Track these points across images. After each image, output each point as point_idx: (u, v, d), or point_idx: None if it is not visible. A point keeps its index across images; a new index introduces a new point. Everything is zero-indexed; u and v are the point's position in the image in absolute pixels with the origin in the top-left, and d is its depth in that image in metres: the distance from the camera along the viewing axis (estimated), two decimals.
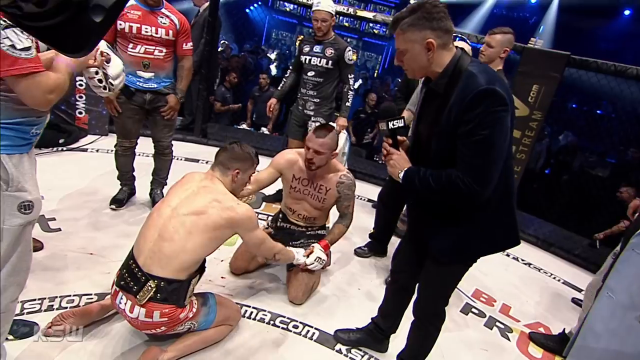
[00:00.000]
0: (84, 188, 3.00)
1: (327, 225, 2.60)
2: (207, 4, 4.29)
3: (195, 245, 1.59)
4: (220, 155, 1.79)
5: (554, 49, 11.61)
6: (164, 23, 2.52)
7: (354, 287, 2.60)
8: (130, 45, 2.47)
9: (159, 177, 2.97)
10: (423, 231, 1.60)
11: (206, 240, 1.61)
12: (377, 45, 13.98)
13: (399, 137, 1.51)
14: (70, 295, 1.97)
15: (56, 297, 1.94)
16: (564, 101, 10.49)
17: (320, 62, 3.06)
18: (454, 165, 1.35)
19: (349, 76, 3.08)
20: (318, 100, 3.14)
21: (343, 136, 3.02)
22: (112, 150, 2.86)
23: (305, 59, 3.12)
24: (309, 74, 3.11)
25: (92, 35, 0.61)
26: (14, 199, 1.25)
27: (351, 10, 4.08)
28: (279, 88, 3.37)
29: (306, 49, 3.13)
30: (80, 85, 3.81)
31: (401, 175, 1.45)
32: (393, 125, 1.48)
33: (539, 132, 3.89)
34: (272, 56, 9.67)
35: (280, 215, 2.56)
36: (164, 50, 2.56)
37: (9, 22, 1.07)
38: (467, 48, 2.75)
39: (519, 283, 3.19)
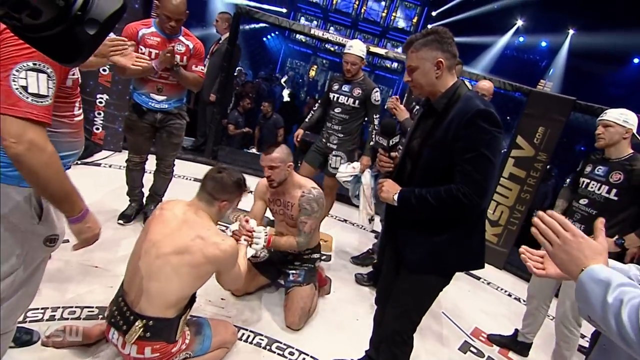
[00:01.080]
0: (94, 202, 3.06)
1: (320, 251, 2.61)
2: (228, 33, 4.50)
3: (182, 284, 1.57)
4: (207, 185, 1.68)
5: (563, 92, 11.81)
6: (180, 50, 2.62)
7: (352, 315, 2.60)
8: None
9: (156, 194, 3.01)
10: (398, 242, 1.64)
11: (192, 279, 1.58)
12: (388, 79, 14.32)
13: (392, 153, 1.67)
14: (72, 307, 2.01)
15: (59, 307, 1.98)
16: (571, 143, 10.56)
17: (347, 101, 3.18)
18: (438, 176, 1.47)
19: (375, 116, 3.20)
20: (342, 135, 3.25)
21: (367, 174, 3.07)
22: (124, 167, 2.95)
23: (334, 96, 3.25)
24: (335, 110, 3.23)
25: (86, 47, 0.64)
26: (43, 232, 1.21)
27: (366, 46, 4.25)
28: (307, 120, 3.49)
29: (335, 86, 3.26)
30: (100, 102, 3.96)
31: (396, 197, 1.54)
32: (393, 141, 1.65)
33: (543, 173, 3.93)
34: (283, 80, 9.92)
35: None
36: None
37: (38, 64, 0.99)
38: (490, 86, 3.03)
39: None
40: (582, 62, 11.76)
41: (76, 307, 2.01)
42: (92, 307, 2.03)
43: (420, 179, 1.53)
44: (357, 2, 14.23)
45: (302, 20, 14.37)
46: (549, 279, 2.42)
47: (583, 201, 2.36)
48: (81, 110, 1.24)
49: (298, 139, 3.48)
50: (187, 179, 3.82)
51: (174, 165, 2.98)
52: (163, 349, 1.58)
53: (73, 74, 1.14)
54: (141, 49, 2.55)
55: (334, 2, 14.29)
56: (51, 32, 0.59)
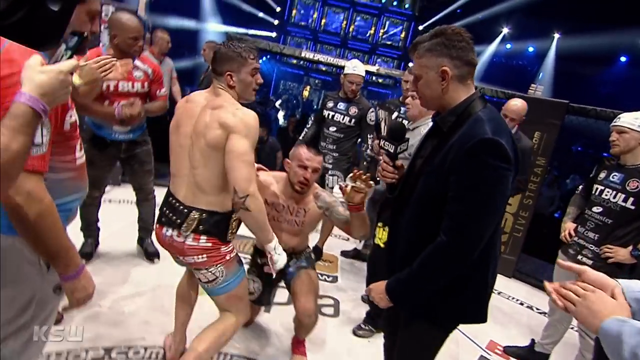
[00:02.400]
0: (103, 240, 3.04)
1: (309, 249, 2.33)
2: None
3: (215, 169, 1.57)
4: (213, 63, 1.66)
5: (554, 95, 11.92)
6: (139, 76, 2.51)
7: (362, 338, 2.53)
8: (106, 103, 2.41)
9: (146, 224, 2.92)
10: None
11: (220, 157, 1.54)
12: (381, 94, 14.45)
13: (397, 162, 1.46)
14: (77, 349, 1.95)
15: (62, 351, 1.92)
16: (569, 145, 10.59)
17: (343, 119, 3.18)
18: (436, 206, 1.21)
19: (369, 136, 3.19)
20: (337, 154, 3.24)
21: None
22: (124, 201, 2.92)
23: (329, 114, 3.23)
24: (330, 129, 3.22)
25: (55, 25, 0.60)
26: (52, 280, 1.13)
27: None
28: (301, 137, 3.46)
29: (330, 104, 3.26)
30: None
31: (387, 296, 1.31)
32: (401, 148, 1.42)
33: (544, 178, 3.92)
34: (277, 103, 9.99)
35: (257, 254, 2.25)
36: (139, 102, 2.53)
37: None
38: (519, 108, 2.88)
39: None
40: (570, 65, 11.92)
41: (82, 349, 1.96)
42: (98, 348, 1.98)
43: (413, 208, 1.30)
44: (344, 22, 14.50)
45: (292, 44, 14.63)
46: None
47: (597, 209, 2.26)
48: (83, 152, 1.21)
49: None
50: None
51: (154, 190, 2.92)
52: (216, 244, 1.64)
53: (70, 117, 1.10)
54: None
55: (322, 23, 14.56)
56: (15, 18, 0.55)
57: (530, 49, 13.18)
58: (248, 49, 1.62)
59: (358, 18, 14.53)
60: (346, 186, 1.72)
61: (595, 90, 11.76)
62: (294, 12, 14.47)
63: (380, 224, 2.33)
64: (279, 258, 1.64)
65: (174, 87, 4.55)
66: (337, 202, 2.01)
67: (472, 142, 1.12)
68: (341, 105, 3.21)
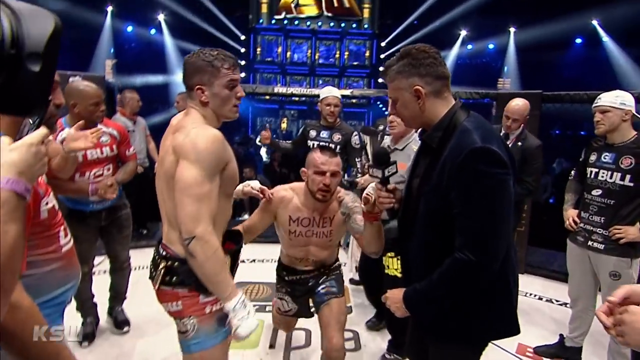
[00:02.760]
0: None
1: (338, 263, 2.23)
2: None
3: (174, 201, 1.27)
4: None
5: (522, 85, 12.22)
6: (105, 141, 2.44)
7: None
8: (78, 175, 2.33)
9: (119, 294, 2.79)
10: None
11: (172, 184, 1.28)
12: (357, 113, 14.64)
13: (389, 186, 1.41)
14: None
15: None
16: (547, 130, 10.80)
17: None
18: (441, 225, 1.19)
19: (357, 159, 3.19)
20: None
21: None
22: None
23: (313, 144, 3.23)
24: None
25: (37, 88, 0.55)
26: None
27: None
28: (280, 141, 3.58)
29: (313, 133, 3.26)
30: None
31: (403, 305, 1.29)
32: (388, 171, 1.38)
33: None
34: (258, 140, 9.99)
35: (283, 269, 2.13)
36: (111, 166, 2.49)
37: None
38: (521, 107, 2.80)
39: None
40: (531, 55, 12.33)
41: None
42: None
43: (420, 229, 1.26)
44: (309, 51, 14.82)
45: (262, 81, 14.82)
46: (588, 278, 2.34)
47: (596, 192, 2.23)
48: (69, 237, 1.13)
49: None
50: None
51: (129, 258, 2.80)
52: (188, 300, 1.33)
53: (47, 203, 1.04)
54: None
55: (288, 55, 14.85)
56: None
57: (491, 46, 13.62)
58: (222, 57, 1.32)
59: (321, 46, 14.88)
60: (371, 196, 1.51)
61: (559, 75, 12.15)
62: (258, 50, 14.76)
63: (390, 254, 2.27)
64: (243, 324, 1.25)
65: (150, 145, 4.50)
66: (358, 208, 1.82)
67: (463, 154, 1.11)
68: (324, 134, 3.21)
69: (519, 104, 2.86)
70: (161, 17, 12.49)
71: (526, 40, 12.04)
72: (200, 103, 1.33)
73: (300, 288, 2.10)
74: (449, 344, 1.32)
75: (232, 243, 1.47)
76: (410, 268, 1.35)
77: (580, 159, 2.43)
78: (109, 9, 11.50)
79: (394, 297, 1.33)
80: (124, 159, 2.60)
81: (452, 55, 13.18)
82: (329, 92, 3.20)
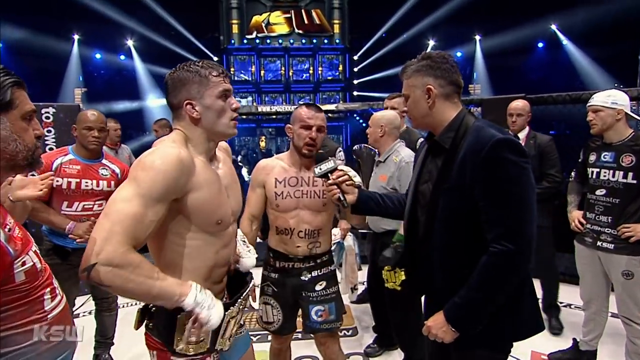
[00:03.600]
0: None
1: (332, 249, 2.06)
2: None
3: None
4: (167, 103, 1.18)
5: (492, 90, 12.52)
6: (105, 175, 2.33)
7: None
8: (66, 204, 2.20)
9: (105, 339, 2.56)
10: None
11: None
12: (335, 127, 14.66)
13: (338, 179, 1.51)
14: None
15: None
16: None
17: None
18: (462, 225, 1.20)
19: None
20: None
21: (350, 238, 2.87)
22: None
23: None
24: None
25: None
26: None
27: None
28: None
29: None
30: None
31: (450, 327, 1.21)
32: (320, 169, 1.53)
33: None
34: (239, 160, 9.82)
35: (272, 255, 1.93)
36: (103, 203, 2.28)
37: None
38: (523, 106, 2.90)
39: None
40: (497, 60, 12.79)
41: None
42: None
43: (440, 232, 1.24)
44: (283, 69, 14.84)
45: (237, 100, 14.69)
46: (600, 279, 2.28)
47: (600, 192, 2.19)
48: (59, 299, 0.96)
49: None
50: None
51: (117, 298, 2.56)
52: (162, 355, 1.11)
53: (23, 264, 0.86)
54: (57, 181, 2.19)
55: (262, 74, 14.82)
56: None
57: (459, 54, 14.00)
58: (208, 66, 1.15)
59: (295, 62, 14.92)
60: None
61: (525, 78, 12.60)
62: (232, 70, 14.67)
63: (388, 268, 2.16)
64: (212, 313, 1.03)
65: None
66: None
67: (488, 146, 1.14)
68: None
69: (519, 102, 2.97)
70: (130, 42, 12.29)
71: (492, 47, 12.48)
72: (190, 120, 1.13)
73: (291, 282, 1.88)
74: (476, 350, 1.26)
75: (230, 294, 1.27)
76: (428, 275, 1.29)
77: (579, 160, 2.41)
78: (75, 37, 11.22)
79: (437, 323, 1.23)
80: None
81: None
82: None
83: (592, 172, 2.25)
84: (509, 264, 1.14)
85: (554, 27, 12.06)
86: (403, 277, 1.90)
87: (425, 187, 1.32)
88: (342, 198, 1.49)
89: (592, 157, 2.27)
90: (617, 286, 2.19)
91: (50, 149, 3.46)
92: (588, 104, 2.25)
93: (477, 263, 1.16)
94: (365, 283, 2.94)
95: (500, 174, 1.14)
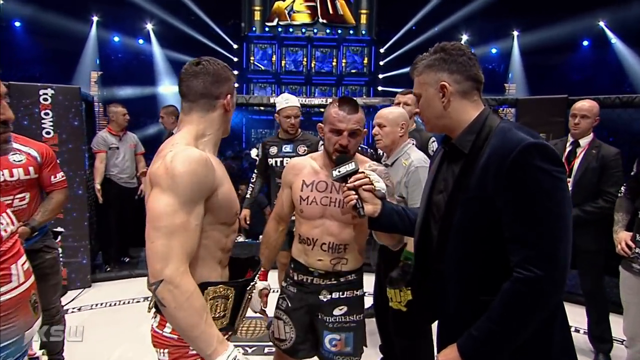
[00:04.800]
0: None
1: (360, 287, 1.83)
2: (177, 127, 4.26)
3: None
4: (193, 86, 1.21)
5: (529, 90, 12.05)
6: (19, 161, 2.05)
7: None
8: None
9: (54, 354, 2.37)
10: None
11: None
12: None
13: (356, 182, 1.40)
14: None
15: None
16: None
17: None
18: (478, 241, 1.08)
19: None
20: None
21: None
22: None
23: (275, 161, 2.93)
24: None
25: None
26: None
27: (323, 100, 4.10)
28: (248, 196, 3.17)
29: (273, 150, 2.96)
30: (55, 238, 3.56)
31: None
32: (339, 172, 1.44)
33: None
34: (253, 153, 9.74)
35: (292, 266, 1.82)
36: (27, 195, 2.07)
37: None
38: (590, 106, 2.64)
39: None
40: (536, 58, 12.27)
41: None
42: None
43: (455, 251, 1.13)
44: (305, 59, 14.69)
45: (256, 90, 14.66)
46: None
47: None
48: (14, 285, 1.00)
49: (247, 222, 3.08)
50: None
51: (62, 308, 2.40)
52: (176, 351, 1.17)
53: None
54: None
55: (283, 64, 14.71)
56: None
57: (494, 51, 13.55)
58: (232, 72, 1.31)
59: (317, 53, 14.76)
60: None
61: (566, 79, 12.08)
62: (252, 59, 14.62)
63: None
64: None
65: (140, 164, 4.17)
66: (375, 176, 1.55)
67: (516, 151, 1.01)
68: (287, 148, 2.92)
69: (585, 102, 2.68)
70: (149, 26, 12.35)
71: (530, 44, 11.98)
72: (224, 112, 1.25)
73: (307, 300, 1.75)
74: None
75: (237, 274, 1.32)
76: (440, 296, 1.18)
77: (632, 173, 2.22)
78: (94, 18, 11.34)
79: (449, 358, 1.11)
80: (48, 187, 2.17)
81: None
82: (287, 102, 2.91)
83: None
84: (536, 293, 1.01)
85: (602, 23, 11.44)
86: (410, 297, 1.73)
87: (440, 197, 1.21)
88: (358, 206, 1.37)
89: None
90: None
91: (48, 133, 3.42)
92: None
93: (498, 289, 1.04)
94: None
95: (529, 184, 1.01)
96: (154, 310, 1.20)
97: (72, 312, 3.29)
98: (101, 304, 3.38)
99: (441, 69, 1.16)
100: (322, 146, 1.74)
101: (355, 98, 4.62)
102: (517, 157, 1.01)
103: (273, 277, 1.90)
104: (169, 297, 1.02)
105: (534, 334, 1.05)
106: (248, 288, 1.25)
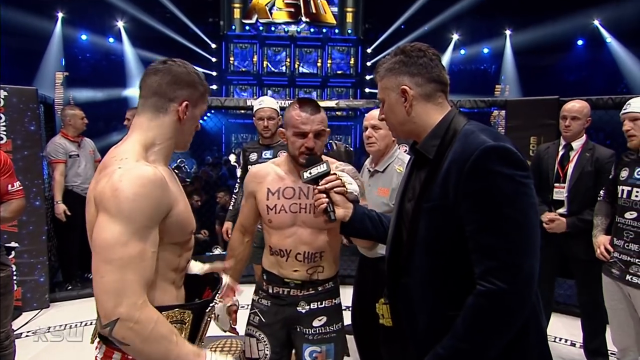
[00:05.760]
0: None
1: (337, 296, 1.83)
2: None
3: None
4: (148, 82, 1.16)
5: (522, 91, 12.23)
6: None
7: None
8: None
9: None
10: None
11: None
12: (343, 127, 14.51)
13: (327, 184, 1.40)
14: None
15: None
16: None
17: None
18: (446, 251, 1.08)
19: None
20: None
21: None
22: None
23: None
24: None
25: None
26: None
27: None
28: (230, 208, 3.16)
29: (253, 156, 2.95)
30: (8, 254, 3.44)
31: None
32: (310, 174, 1.43)
33: None
34: (232, 158, 9.68)
35: (265, 278, 1.79)
36: None
37: None
38: (581, 107, 2.62)
39: None
40: (529, 58, 12.52)
41: None
42: None
43: (420, 260, 1.12)
44: (288, 60, 14.71)
45: (237, 93, 14.60)
46: (633, 320, 2.09)
47: (630, 214, 2.08)
48: None
49: (229, 235, 3.04)
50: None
51: (12, 333, 2.35)
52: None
53: None
54: None
55: (265, 65, 14.71)
56: None
57: (486, 50, 13.79)
58: (205, 81, 1.24)
59: (301, 53, 14.80)
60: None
61: (560, 79, 12.33)
62: (231, 59, 14.58)
63: (383, 300, 1.95)
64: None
65: None
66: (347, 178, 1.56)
67: (474, 156, 1.01)
68: (267, 154, 2.91)
69: (575, 103, 2.68)
70: (120, 23, 12.26)
71: (523, 43, 12.21)
72: (175, 121, 1.16)
73: (284, 313, 1.73)
74: None
75: (194, 294, 1.28)
76: (410, 313, 1.18)
77: (610, 176, 2.28)
78: (60, 15, 11.17)
79: None
80: (4, 196, 2.18)
81: (444, 61, 13.06)
82: (260, 104, 2.93)
83: (623, 190, 2.13)
84: (499, 307, 1.00)
85: (596, 22, 11.74)
86: None
87: (409, 205, 1.21)
88: (329, 210, 1.36)
89: (624, 174, 2.15)
90: None
91: (0, 138, 3.32)
92: (624, 111, 2.15)
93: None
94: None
95: (489, 190, 1.00)
96: (97, 340, 1.13)
97: (27, 336, 3.17)
98: (60, 326, 3.26)
99: (401, 72, 1.16)
100: (284, 151, 1.74)
101: (340, 100, 4.63)
102: (475, 161, 1.00)
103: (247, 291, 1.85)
104: (130, 334, 0.97)
105: (506, 348, 1.04)
106: (207, 310, 1.20)
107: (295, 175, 1.67)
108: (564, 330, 3.33)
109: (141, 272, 1.01)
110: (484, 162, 1.00)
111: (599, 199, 2.36)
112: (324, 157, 1.68)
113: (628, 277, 2.07)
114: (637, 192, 2.06)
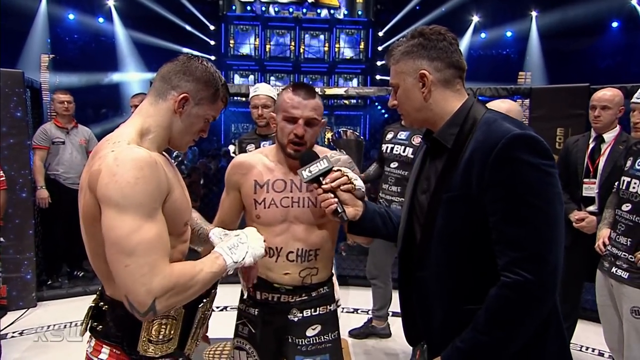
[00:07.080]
0: None
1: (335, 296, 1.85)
2: None
3: (93, 242, 1.17)
4: (160, 71, 1.25)
5: (548, 79, 12.13)
6: None
7: None
8: None
9: None
10: None
11: (98, 233, 1.12)
12: (352, 117, 14.53)
13: (333, 183, 1.37)
14: None
15: None
16: None
17: None
18: (465, 245, 1.12)
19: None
20: None
21: None
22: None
23: None
24: None
25: None
26: None
27: (319, 90, 4.15)
28: None
29: (250, 148, 2.97)
30: None
31: None
32: (310, 172, 1.39)
33: None
34: (232, 149, 9.75)
35: (252, 287, 1.73)
36: None
37: None
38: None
39: None
40: (558, 42, 12.42)
41: None
42: None
43: (438, 255, 1.16)
44: (292, 44, 14.72)
45: (237, 79, 14.64)
46: (618, 320, 2.14)
47: (626, 207, 2.12)
48: None
49: None
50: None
51: None
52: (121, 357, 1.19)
53: None
54: None
55: (267, 49, 14.73)
56: None
57: (509, 34, 13.71)
58: (227, 89, 1.30)
59: (307, 36, 14.81)
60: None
61: (592, 65, 12.23)
62: (231, 42, 14.61)
63: None
64: (245, 249, 1.25)
65: None
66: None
67: (501, 144, 1.05)
68: (265, 145, 2.96)
69: (610, 90, 2.69)
70: (111, 2, 12.31)
71: (551, 26, 12.12)
72: (171, 111, 1.21)
73: (275, 322, 1.72)
74: None
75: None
76: (424, 308, 1.22)
77: (625, 168, 2.29)
78: None
79: None
80: None
81: (462, 46, 13.20)
82: (255, 90, 3.00)
83: (623, 181, 2.18)
84: (525, 298, 1.05)
85: (634, 1, 11.59)
86: None
87: (424, 197, 1.25)
88: (340, 210, 1.35)
89: (628, 163, 2.19)
90: (625, 323, 2.13)
91: None
92: (633, 101, 2.17)
93: (486, 296, 1.08)
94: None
95: (515, 180, 1.05)
96: (88, 334, 1.18)
97: (12, 337, 3.25)
98: (49, 327, 3.33)
99: (420, 55, 1.18)
100: (274, 139, 1.69)
101: (348, 87, 4.66)
102: (501, 150, 1.04)
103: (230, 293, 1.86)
104: (174, 300, 1.08)
105: (525, 343, 1.08)
106: (200, 306, 1.24)
107: (286, 167, 1.66)
108: (591, 339, 3.34)
109: (162, 248, 1.09)
110: (511, 150, 1.04)
111: (613, 190, 2.37)
112: (317, 148, 1.66)
113: (613, 270, 2.13)
114: (635, 183, 2.09)
